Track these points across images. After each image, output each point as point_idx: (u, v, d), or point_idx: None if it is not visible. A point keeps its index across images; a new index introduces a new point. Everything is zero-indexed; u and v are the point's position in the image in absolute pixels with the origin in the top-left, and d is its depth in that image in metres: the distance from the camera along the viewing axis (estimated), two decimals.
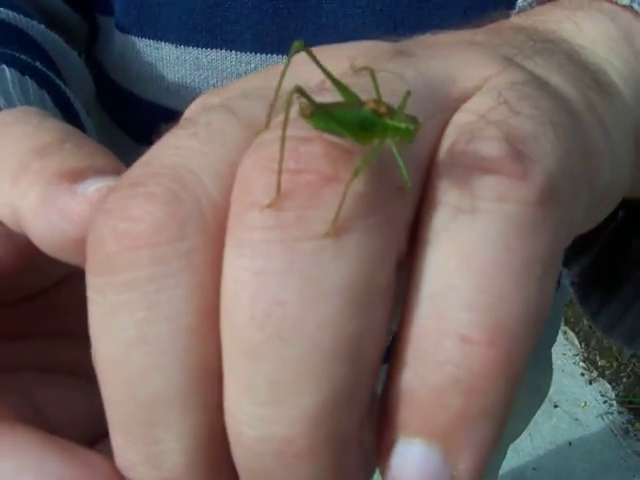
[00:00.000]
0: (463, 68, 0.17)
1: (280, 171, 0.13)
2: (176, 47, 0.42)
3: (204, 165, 0.14)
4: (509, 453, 0.89)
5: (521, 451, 1.48)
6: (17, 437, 0.15)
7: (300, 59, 0.16)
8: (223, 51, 0.42)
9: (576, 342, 1.83)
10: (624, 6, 0.23)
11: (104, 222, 0.14)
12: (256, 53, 0.41)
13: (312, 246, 0.13)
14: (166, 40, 0.43)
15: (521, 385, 0.48)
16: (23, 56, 0.33)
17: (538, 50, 0.20)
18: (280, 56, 0.41)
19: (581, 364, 1.78)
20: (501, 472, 0.89)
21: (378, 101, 0.14)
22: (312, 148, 0.14)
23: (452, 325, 0.13)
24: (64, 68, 0.39)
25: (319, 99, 0.14)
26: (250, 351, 0.13)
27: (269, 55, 0.41)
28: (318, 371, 0.13)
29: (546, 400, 1.63)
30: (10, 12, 0.37)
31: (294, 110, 0.14)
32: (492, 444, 0.14)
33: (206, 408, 0.14)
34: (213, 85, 0.42)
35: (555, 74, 0.18)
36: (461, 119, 0.15)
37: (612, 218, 0.33)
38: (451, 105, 0.16)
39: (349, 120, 0.14)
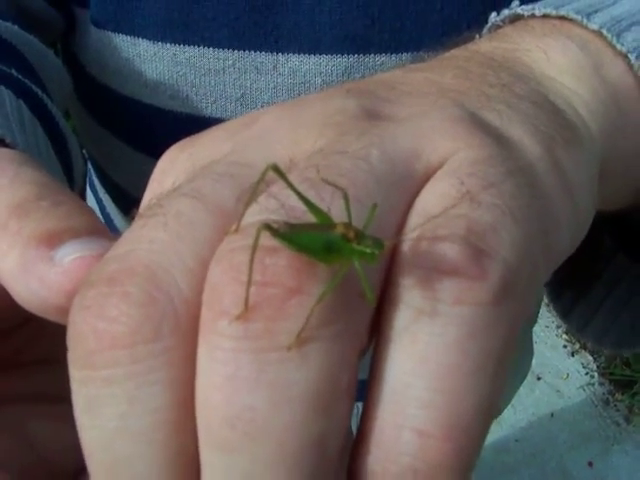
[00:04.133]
0: (428, 140, 0.17)
1: (249, 283, 0.14)
2: (153, 43, 0.42)
3: (176, 262, 0.15)
4: (492, 426, 0.90)
5: (504, 423, 1.51)
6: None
7: (274, 131, 0.16)
8: (200, 48, 0.42)
9: None
10: (593, 31, 0.23)
11: (83, 320, 0.15)
12: (233, 50, 0.41)
13: (278, 356, 0.14)
14: (143, 36, 0.42)
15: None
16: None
17: (505, 97, 0.20)
18: (257, 52, 0.41)
19: (564, 336, 1.80)
20: (484, 444, 0.91)
21: (348, 225, 0.15)
22: (277, 260, 0.14)
23: (410, 421, 0.14)
24: (41, 68, 0.39)
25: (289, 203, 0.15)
26: (224, 447, 0.14)
27: (246, 52, 0.41)
28: (286, 467, 0.14)
29: (529, 373, 1.65)
30: None
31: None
32: None
33: None
34: (191, 82, 0.42)
35: (520, 128, 0.19)
36: (424, 210, 0.16)
37: None
38: (414, 184, 0.17)
39: (317, 244, 0.14)
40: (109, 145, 0.49)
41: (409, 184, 0.17)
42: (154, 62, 0.43)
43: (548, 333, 1.80)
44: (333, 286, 0.14)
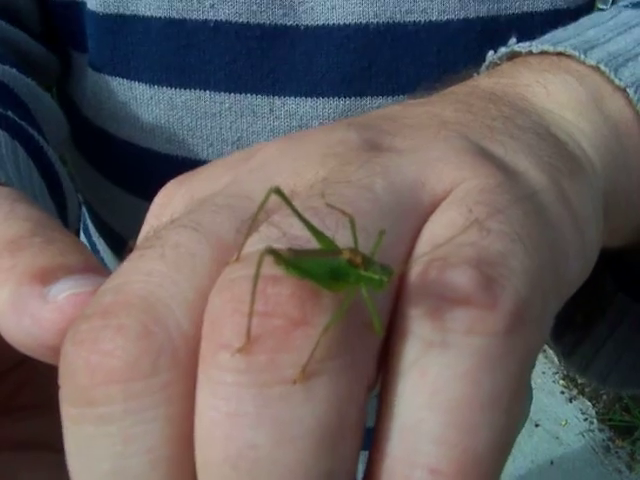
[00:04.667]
0: (432, 169, 0.17)
1: (251, 314, 0.13)
2: (150, 87, 0.42)
3: (174, 294, 0.15)
4: None
5: (503, 472, 1.48)
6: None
7: (270, 161, 0.16)
8: (197, 91, 0.42)
9: (555, 360, 1.84)
10: (591, 66, 0.23)
11: (76, 353, 0.14)
12: (230, 93, 0.41)
13: (282, 391, 0.13)
14: (139, 80, 0.42)
15: None
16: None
17: (508, 129, 0.20)
18: (254, 95, 0.41)
19: (561, 382, 1.78)
20: None
21: (355, 251, 0.14)
22: (280, 289, 0.14)
23: (421, 458, 0.14)
24: (37, 111, 0.38)
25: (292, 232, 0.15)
26: None
27: (242, 95, 0.41)
28: None
29: (527, 420, 1.63)
30: None
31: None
32: None
33: None
34: (187, 125, 0.42)
35: (525, 159, 0.18)
36: (431, 239, 0.16)
37: None
38: (420, 214, 0.16)
39: (322, 270, 0.14)
40: (104, 189, 0.49)
41: (415, 214, 0.16)
42: (150, 105, 0.43)
43: (545, 379, 1.78)
44: (340, 316, 0.13)
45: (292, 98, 0.41)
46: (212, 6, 0.40)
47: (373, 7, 0.39)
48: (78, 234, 0.61)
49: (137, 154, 0.44)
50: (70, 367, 0.15)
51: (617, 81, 0.23)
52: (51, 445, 0.21)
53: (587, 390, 1.75)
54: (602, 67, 0.23)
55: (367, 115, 0.21)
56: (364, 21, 0.40)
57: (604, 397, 1.73)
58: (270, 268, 0.14)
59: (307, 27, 0.40)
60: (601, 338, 0.34)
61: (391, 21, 0.40)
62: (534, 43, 0.25)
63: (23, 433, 0.21)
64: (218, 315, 0.14)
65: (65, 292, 0.17)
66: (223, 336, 0.14)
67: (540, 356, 1.86)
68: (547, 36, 0.26)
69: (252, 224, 0.15)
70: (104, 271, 0.18)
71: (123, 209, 0.49)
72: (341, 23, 0.40)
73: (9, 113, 0.33)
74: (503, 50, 0.26)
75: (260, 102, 0.41)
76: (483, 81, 0.24)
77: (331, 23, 0.40)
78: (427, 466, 0.13)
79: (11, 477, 0.19)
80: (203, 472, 0.14)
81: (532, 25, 0.41)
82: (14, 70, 0.38)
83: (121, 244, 0.52)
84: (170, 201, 0.19)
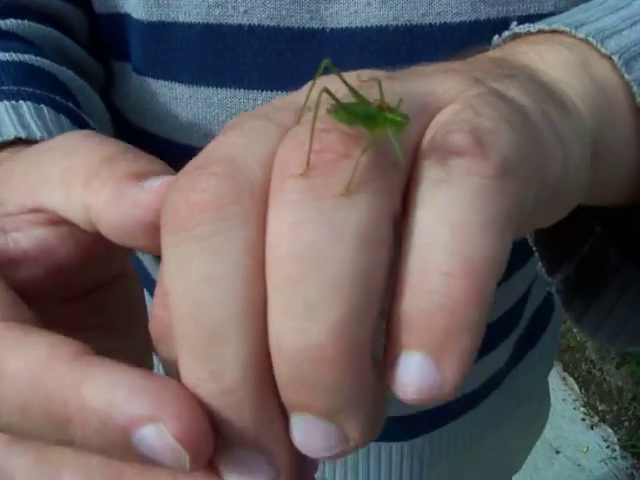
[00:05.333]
0: (441, 85, 0.21)
1: (309, 152, 0.17)
2: (188, 87, 0.46)
3: (251, 154, 0.18)
4: None
5: None
6: (108, 363, 0.18)
7: (322, 78, 0.20)
8: (232, 90, 0.45)
9: (575, 387, 1.84)
10: (581, 39, 0.27)
11: (177, 195, 0.18)
12: (262, 90, 0.45)
13: (333, 202, 0.17)
14: (179, 81, 0.46)
15: (520, 411, 0.51)
16: (57, 97, 0.37)
17: (504, 74, 0.23)
18: (283, 92, 0.45)
19: (581, 409, 1.78)
20: None
21: (382, 101, 0.18)
22: (331, 136, 0.18)
23: (436, 265, 0.17)
24: (88, 110, 0.42)
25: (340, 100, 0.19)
26: (290, 279, 0.17)
27: (273, 92, 0.45)
28: (341, 293, 0.16)
29: (548, 446, 1.63)
30: (45, 60, 0.41)
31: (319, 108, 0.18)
32: (471, 352, 0.17)
33: (256, 331, 0.17)
34: (223, 121, 0.46)
35: (515, 90, 0.22)
36: (438, 119, 0.20)
37: (591, 232, 0.37)
38: (430, 112, 0.20)
39: (361, 114, 0.18)
40: None
41: (426, 110, 0.20)
42: (189, 104, 0.47)
43: (565, 406, 1.78)
44: (372, 144, 0.17)
45: None
46: (245, 12, 0.44)
47: (392, 11, 0.43)
48: None
49: (176, 150, 0.48)
50: (172, 205, 0.18)
51: (603, 50, 0.26)
52: (132, 362, 0.24)
53: (608, 417, 1.74)
54: (590, 39, 0.27)
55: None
56: (384, 24, 0.44)
57: (626, 424, 1.72)
58: (323, 123, 0.18)
59: (332, 30, 0.44)
60: (610, 303, 0.36)
61: (409, 23, 0.44)
62: (532, 25, 0.28)
63: (106, 348, 0.24)
64: (284, 156, 0.18)
65: (158, 181, 0.20)
66: (289, 168, 0.17)
67: (560, 383, 1.85)
68: (545, 20, 0.30)
69: (308, 93, 0.20)
70: None
71: None
72: (363, 26, 0.44)
73: (70, 104, 0.37)
74: (506, 33, 0.29)
75: None
76: (489, 52, 0.28)
77: (354, 26, 0.44)
78: (440, 271, 0.17)
79: None
80: (273, 272, 0.17)
81: None
82: (70, 72, 0.43)
83: None
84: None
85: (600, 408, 1.77)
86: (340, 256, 0.16)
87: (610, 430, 1.72)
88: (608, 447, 1.68)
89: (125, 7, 0.48)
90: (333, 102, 0.18)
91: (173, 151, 0.48)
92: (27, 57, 0.40)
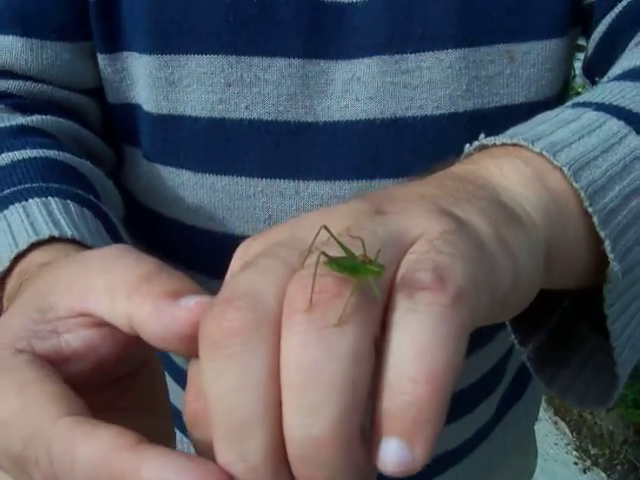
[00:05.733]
0: (413, 222, 0.26)
1: (312, 291, 0.23)
2: (194, 174, 0.51)
3: (267, 290, 0.23)
4: None
5: None
6: (160, 449, 0.23)
7: (314, 223, 0.25)
8: (234, 177, 0.50)
9: (567, 432, 1.86)
10: (536, 153, 0.32)
11: (212, 322, 0.23)
12: (262, 178, 0.50)
13: (329, 330, 0.22)
14: (186, 168, 0.51)
15: (508, 458, 0.55)
16: (80, 191, 0.41)
17: (468, 197, 0.28)
18: (281, 180, 0.50)
19: (574, 453, 1.81)
20: None
21: (364, 256, 0.24)
22: (327, 280, 0.23)
23: (406, 373, 0.22)
24: (104, 197, 0.47)
25: (332, 250, 0.24)
26: (298, 387, 0.22)
27: (272, 179, 0.50)
28: (335, 398, 0.21)
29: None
30: (67, 154, 0.46)
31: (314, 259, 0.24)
32: (434, 436, 0.22)
33: (273, 425, 0.22)
34: (226, 205, 0.51)
35: (476, 216, 0.27)
36: (409, 259, 0.25)
37: (559, 305, 0.41)
38: (404, 249, 0.25)
39: (349, 266, 0.23)
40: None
41: (400, 249, 0.25)
42: (195, 189, 0.51)
43: (558, 450, 1.80)
44: (357, 289, 0.23)
45: (314, 182, 0.50)
46: (246, 107, 0.49)
47: (379, 105, 0.48)
48: None
49: (183, 231, 0.53)
50: (208, 330, 0.23)
51: (555, 162, 0.31)
52: (157, 440, 0.28)
53: (600, 461, 1.77)
54: (544, 152, 0.31)
55: (374, 193, 0.30)
56: (371, 117, 0.49)
57: (618, 467, 1.74)
58: (321, 270, 0.23)
59: (325, 123, 0.49)
60: (578, 368, 0.40)
61: (393, 116, 0.49)
62: (497, 138, 0.33)
63: (133, 428, 0.28)
64: (293, 295, 0.23)
65: (193, 300, 0.25)
66: (296, 304, 0.22)
67: (552, 427, 1.88)
68: (509, 131, 0.35)
69: (310, 246, 0.25)
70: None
71: None
72: (353, 119, 0.49)
73: (91, 197, 0.42)
74: (476, 143, 0.34)
75: (287, 185, 0.50)
76: (457, 168, 0.32)
77: (344, 119, 0.49)
78: (409, 378, 0.22)
79: None
80: (286, 380, 0.22)
81: (510, 115, 0.50)
82: (88, 163, 0.47)
83: None
84: (247, 251, 0.27)
85: (592, 452, 1.79)
86: (334, 370, 0.22)
87: (603, 474, 1.74)
88: None
89: (136, 99, 0.53)
90: (328, 257, 0.24)
91: (181, 231, 0.53)
92: (52, 152, 0.45)
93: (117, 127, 0.56)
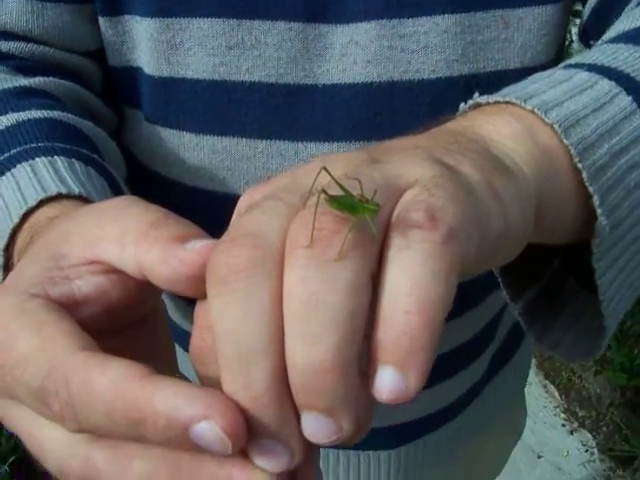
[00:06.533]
0: (408, 169, 0.27)
1: (312, 228, 0.24)
2: (195, 135, 0.52)
3: (270, 228, 0.25)
4: None
5: None
6: (169, 379, 0.24)
7: (314, 169, 0.26)
8: (235, 138, 0.51)
9: (556, 395, 1.90)
10: (528, 110, 0.33)
11: (218, 258, 0.24)
12: (262, 139, 0.51)
13: (329, 265, 0.23)
14: (187, 130, 0.52)
15: (497, 419, 0.57)
16: (84, 150, 0.42)
17: (460, 149, 0.29)
18: (281, 141, 0.51)
19: (562, 415, 1.84)
20: None
21: (362, 195, 0.25)
22: (327, 217, 0.24)
23: (400, 305, 0.23)
24: (107, 158, 0.48)
25: (332, 192, 0.25)
26: (300, 317, 0.23)
27: (272, 141, 0.51)
28: (334, 327, 0.23)
29: (530, 451, 1.68)
30: (70, 115, 0.46)
31: (316, 198, 0.25)
32: (428, 365, 0.23)
33: (277, 354, 0.23)
34: (227, 166, 0.52)
35: (467, 165, 0.28)
36: (403, 201, 0.26)
37: (549, 262, 0.42)
38: (400, 192, 0.26)
39: (347, 204, 0.25)
40: None
41: (396, 192, 0.26)
42: (196, 151, 0.52)
43: (546, 413, 1.84)
44: (354, 227, 0.24)
45: (313, 143, 0.51)
46: (247, 70, 0.50)
47: (376, 69, 0.49)
48: None
49: (184, 191, 0.54)
50: (214, 266, 0.24)
51: (546, 119, 0.32)
52: None
53: (587, 422, 1.81)
54: (536, 110, 0.32)
55: (372, 146, 0.31)
56: (369, 80, 0.50)
57: (604, 429, 1.78)
58: (321, 208, 0.24)
59: (324, 85, 0.50)
60: (567, 324, 0.42)
61: (391, 80, 0.50)
62: (491, 96, 0.34)
63: None
64: (295, 232, 0.24)
65: (199, 244, 0.26)
66: (298, 241, 0.24)
67: (541, 391, 1.92)
68: (503, 90, 0.35)
69: (310, 191, 0.26)
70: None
71: None
72: (351, 82, 0.50)
73: (95, 156, 0.43)
74: (470, 102, 0.35)
75: (286, 147, 0.51)
76: (451, 124, 0.33)
77: (343, 82, 0.50)
78: (403, 309, 0.23)
79: None
80: (288, 312, 0.23)
81: (505, 80, 0.51)
82: (91, 123, 0.48)
83: None
84: (252, 198, 0.29)
85: (580, 414, 1.83)
86: (334, 301, 0.23)
87: (589, 435, 1.78)
88: (587, 451, 1.74)
89: (137, 62, 0.53)
90: (328, 195, 0.25)
91: (182, 192, 0.54)
92: (56, 113, 0.46)
93: (118, 89, 0.56)
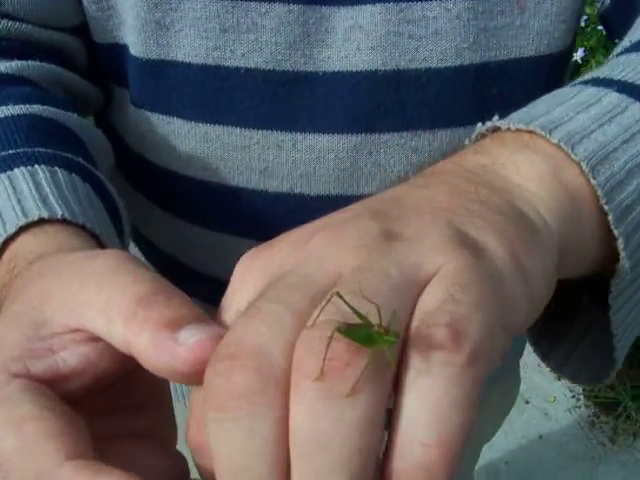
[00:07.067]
0: (428, 256, 0.25)
1: (324, 359, 0.22)
2: (187, 122, 0.49)
3: (274, 345, 0.22)
4: (484, 450, 0.96)
5: (494, 447, 1.57)
6: None
7: (323, 251, 0.25)
8: (229, 127, 0.48)
9: None
10: (554, 144, 0.30)
11: (217, 382, 0.22)
12: (258, 129, 0.48)
13: (339, 402, 0.21)
14: (178, 116, 0.49)
15: (492, 391, 0.56)
16: (67, 154, 0.39)
17: (482, 210, 0.27)
18: (278, 132, 0.48)
19: None
20: (476, 467, 0.98)
21: (380, 325, 0.22)
22: (339, 345, 0.22)
23: (417, 436, 0.22)
24: (91, 146, 0.45)
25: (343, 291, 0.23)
26: (306, 455, 0.21)
27: (269, 131, 0.48)
28: (345, 465, 0.21)
29: (519, 397, 1.71)
30: (51, 108, 0.43)
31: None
32: None
33: None
34: (220, 156, 0.49)
35: (492, 237, 0.26)
36: (423, 307, 0.24)
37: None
38: (418, 289, 0.24)
39: (365, 337, 0.22)
40: (142, 206, 0.55)
41: (415, 288, 0.24)
42: (187, 138, 0.49)
43: (535, 358, 1.85)
44: (372, 361, 0.22)
45: (312, 134, 0.48)
46: (243, 55, 0.46)
47: (381, 56, 0.46)
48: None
49: (175, 179, 0.51)
50: (213, 390, 0.22)
51: (573, 156, 0.30)
52: (161, 435, 0.29)
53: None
54: (562, 145, 0.30)
55: (380, 197, 0.29)
56: (373, 68, 0.46)
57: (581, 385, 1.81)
58: (335, 335, 0.22)
59: (325, 73, 0.47)
60: (573, 342, 0.40)
61: (396, 68, 0.46)
62: (511, 121, 0.31)
63: (138, 426, 0.28)
64: (303, 357, 0.22)
65: (193, 337, 0.24)
66: (306, 370, 0.22)
67: None
68: (524, 111, 0.33)
69: (324, 304, 0.23)
70: (208, 319, 0.25)
71: (160, 224, 0.56)
72: (353, 70, 0.46)
73: (80, 159, 0.40)
74: (488, 124, 0.32)
75: (284, 137, 0.48)
76: (470, 158, 0.31)
77: (345, 70, 0.46)
78: (420, 441, 0.22)
79: (130, 462, 0.26)
80: (294, 449, 0.22)
81: (518, 69, 0.48)
82: (75, 115, 0.45)
83: (157, 255, 0.59)
84: (250, 271, 0.26)
85: None
86: (344, 441, 0.21)
87: None
88: (573, 397, 1.77)
89: (124, 39, 0.50)
90: (344, 323, 0.22)
91: (171, 179, 0.51)
92: (36, 108, 0.42)
93: (104, 67, 0.53)
